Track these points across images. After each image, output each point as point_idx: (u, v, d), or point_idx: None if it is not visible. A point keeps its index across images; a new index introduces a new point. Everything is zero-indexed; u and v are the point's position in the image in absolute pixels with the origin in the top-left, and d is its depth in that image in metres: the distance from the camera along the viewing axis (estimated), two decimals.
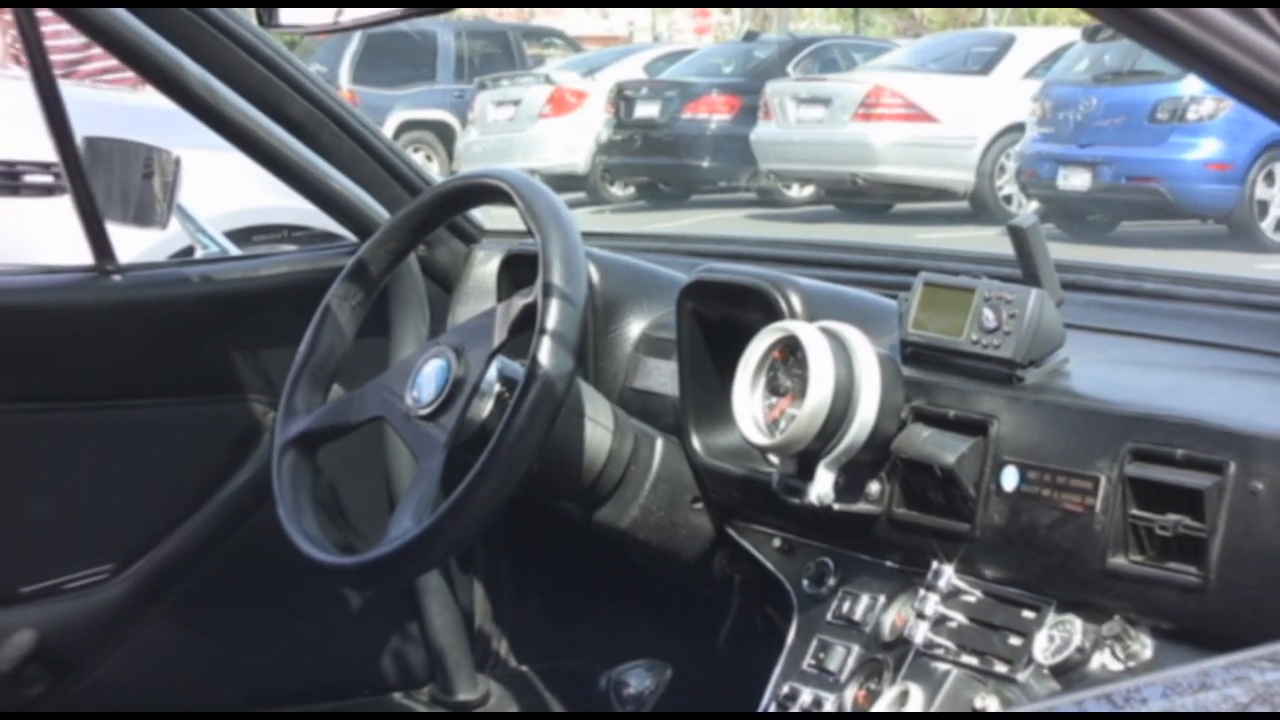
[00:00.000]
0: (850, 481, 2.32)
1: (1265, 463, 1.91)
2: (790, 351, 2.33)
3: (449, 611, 3.25)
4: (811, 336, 2.29)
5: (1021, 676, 2.12)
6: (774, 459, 2.39)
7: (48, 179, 6.09)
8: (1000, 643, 2.17)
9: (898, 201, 18.54)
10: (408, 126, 21.27)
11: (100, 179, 3.07)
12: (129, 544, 3.08)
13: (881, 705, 2.23)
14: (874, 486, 2.33)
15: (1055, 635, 2.10)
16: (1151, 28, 1.25)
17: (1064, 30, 20.17)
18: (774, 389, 2.36)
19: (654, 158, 19.90)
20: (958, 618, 2.22)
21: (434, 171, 3.39)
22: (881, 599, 2.36)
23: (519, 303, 2.49)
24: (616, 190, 20.72)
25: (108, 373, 3.07)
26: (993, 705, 2.13)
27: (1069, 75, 16.64)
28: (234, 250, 3.46)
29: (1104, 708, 1.23)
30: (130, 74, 3.72)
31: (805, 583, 2.49)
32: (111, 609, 3.06)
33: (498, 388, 2.53)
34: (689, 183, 20.25)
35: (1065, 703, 1.26)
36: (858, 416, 2.27)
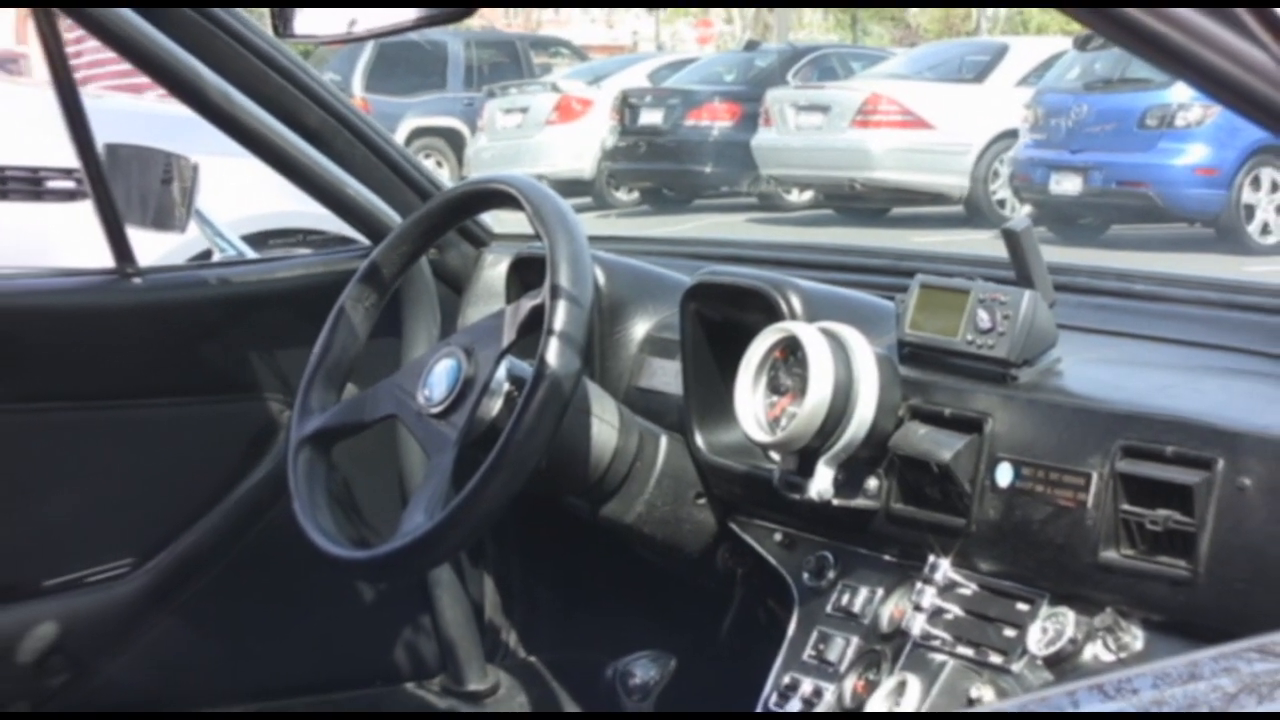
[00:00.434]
0: (849, 478, 2.32)
1: (1252, 459, 1.91)
2: (791, 351, 2.33)
3: (460, 604, 3.25)
4: (811, 337, 2.29)
5: (1016, 667, 2.12)
6: (775, 456, 2.39)
7: (69, 184, 6.10)
8: (995, 634, 2.17)
9: (895, 206, 18.54)
10: (419, 133, 21.28)
11: (120, 184, 3.07)
12: (148, 539, 3.09)
13: (879, 695, 2.23)
14: (872, 482, 2.33)
15: (1049, 627, 2.10)
16: (1127, 29, 1.25)
17: (1056, 39, 20.17)
18: (775, 388, 2.36)
19: (658, 163, 19.91)
20: (954, 610, 2.22)
21: (444, 177, 3.39)
22: (880, 592, 2.36)
23: (527, 304, 2.49)
24: (621, 195, 20.72)
25: (128, 373, 3.07)
26: (988, 695, 2.13)
27: (1061, 83, 16.64)
28: (250, 254, 3.46)
29: (1096, 698, 1.23)
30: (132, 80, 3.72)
31: (806, 576, 2.49)
32: (131, 602, 3.07)
33: (507, 387, 2.53)
34: (692, 188, 20.25)
35: (1058, 693, 1.26)
36: (856, 414, 2.27)
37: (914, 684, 2.19)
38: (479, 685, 3.26)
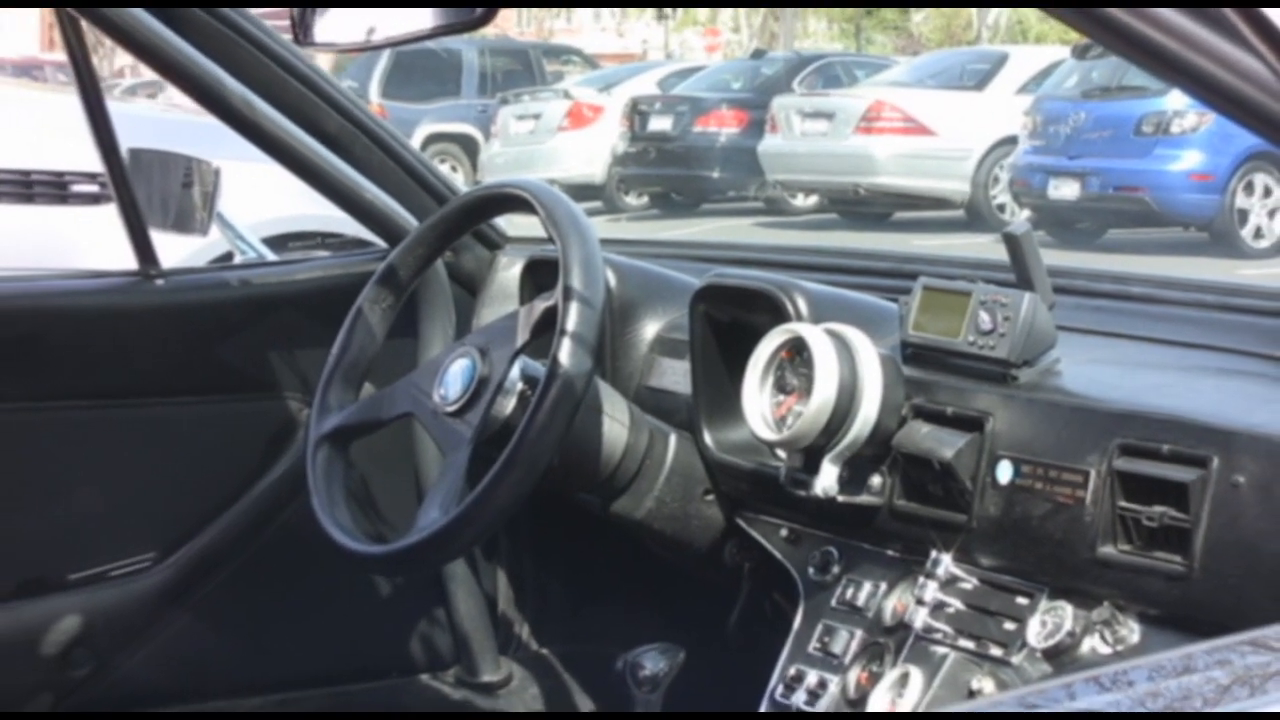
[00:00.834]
0: (853, 475, 2.32)
1: (1246, 457, 1.91)
2: (797, 352, 2.34)
3: (474, 597, 3.25)
4: (817, 337, 2.29)
5: (1015, 660, 2.12)
6: (781, 453, 2.39)
7: (94, 188, 6.11)
8: (995, 627, 2.17)
9: (897, 210, 18.52)
10: (434, 139, 21.27)
11: (143, 188, 3.08)
12: (170, 534, 3.09)
13: (883, 687, 2.23)
14: (876, 479, 2.33)
15: (1047, 620, 2.10)
16: (1121, 35, 1.25)
17: (1054, 48, 20.18)
18: (781, 387, 2.36)
19: (667, 169, 19.91)
20: (955, 604, 2.22)
21: (459, 182, 3.40)
22: (883, 586, 2.36)
23: (540, 306, 2.49)
24: (631, 199, 20.72)
25: (151, 372, 3.08)
26: (988, 687, 2.13)
27: (1059, 91, 16.65)
28: (271, 256, 3.46)
29: (1093, 689, 1.23)
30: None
31: (811, 570, 2.49)
32: (153, 596, 3.07)
33: (520, 386, 2.53)
34: (700, 192, 20.25)
35: (1057, 684, 1.26)
36: (860, 413, 2.27)
37: (916, 676, 2.19)
38: (492, 676, 3.27)
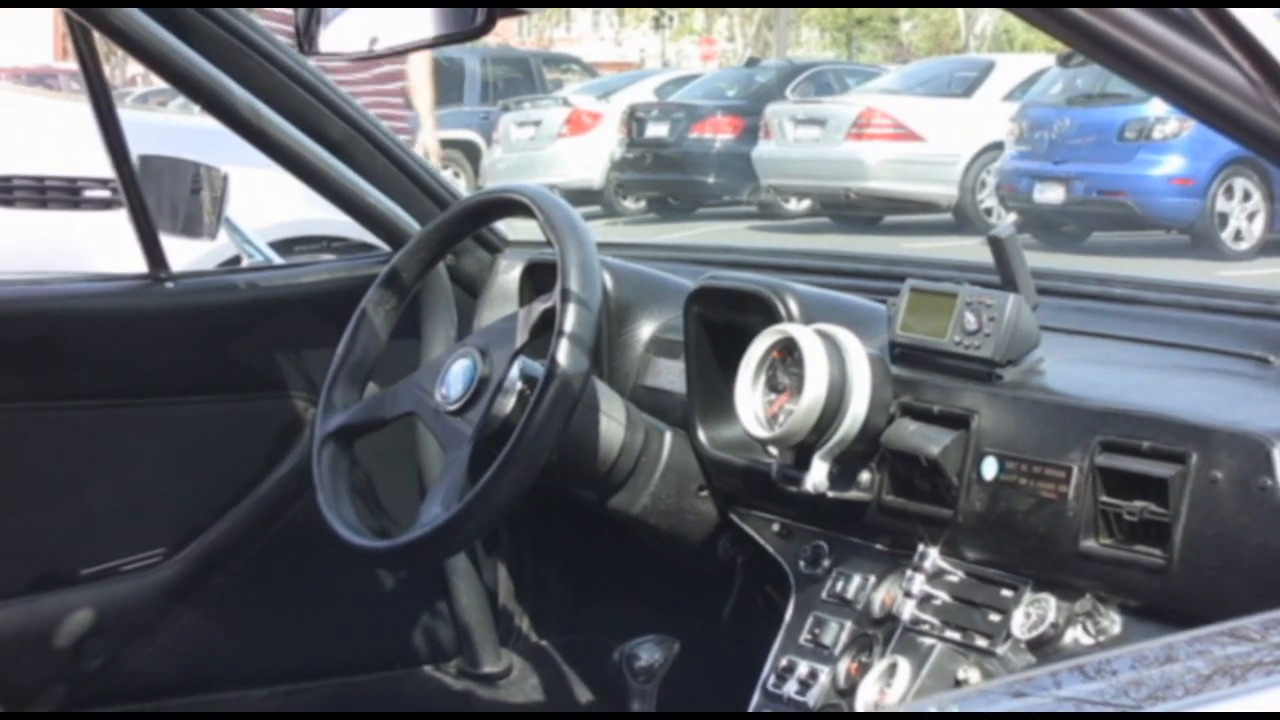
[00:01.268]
0: (843, 471, 2.32)
1: (1224, 454, 1.91)
2: (788, 352, 2.34)
3: (475, 591, 3.25)
4: (807, 338, 2.29)
5: (1000, 650, 2.12)
6: (773, 450, 2.39)
7: (106, 194, 6.10)
8: (981, 619, 2.17)
9: (887, 214, 18.55)
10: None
11: (154, 194, 3.07)
12: (180, 530, 3.09)
13: (872, 677, 2.23)
14: (865, 476, 2.33)
15: (1031, 612, 2.10)
16: (1074, 28, 1.25)
17: (1040, 56, 20.17)
18: (773, 386, 2.36)
19: (663, 174, 19.92)
20: (942, 596, 2.22)
21: (461, 187, 3.40)
22: (872, 579, 2.36)
23: (539, 307, 2.50)
24: (629, 204, 20.72)
25: (161, 372, 3.08)
26: (974, 677, 2.13)
27: (1044, 98, 16.66)
28: (277, 259, 3.46)
29: (1077, 678, 1.23)
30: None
31: (802, 564, 2.49)
32: (164, 590, 3.07)
33: (520, 385, 2.52)
34: (695, 197, 20.26)
35: (1041, 674, 1.26)
36: (850, 411, 2.27)
37: (904, 666, 2.19)
38: (493, 668, 3.27)
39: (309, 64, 2.99)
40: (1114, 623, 2.03)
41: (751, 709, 2.43)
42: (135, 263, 3.10)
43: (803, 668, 2.37)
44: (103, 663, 3.03)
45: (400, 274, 2.75)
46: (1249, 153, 1.33)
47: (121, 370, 3.03)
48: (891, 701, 2.19)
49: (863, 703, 2.22)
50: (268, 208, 5.12)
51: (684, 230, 17.95)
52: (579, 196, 17.79)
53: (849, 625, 2.35)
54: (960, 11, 39.22)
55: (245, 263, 3.47)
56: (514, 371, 2.52)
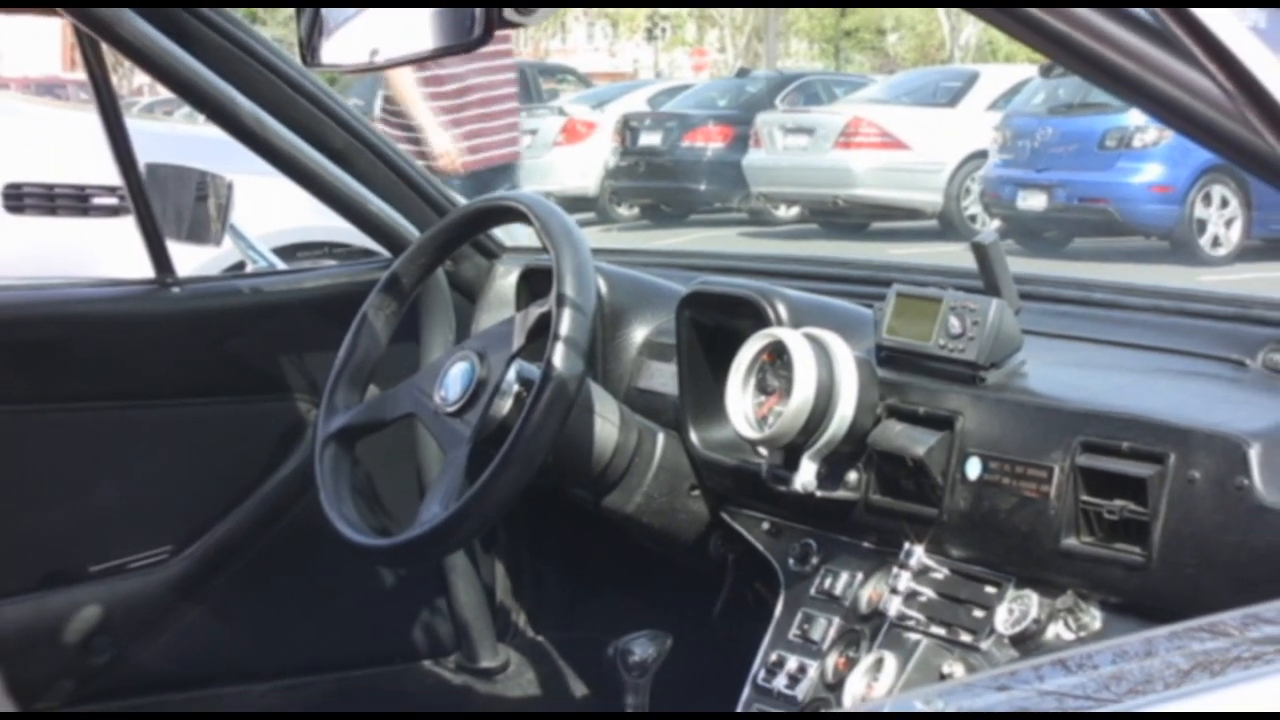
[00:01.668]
0: (831, 471, 2.33)
1: (1201, 454, 1.92)
2: (777, 355, 2.34)
3: (473, 587, 3.26)
4: (796, 341, 2.29)
5: (984, 645, 2.13)
6: (763, 451, 2.39)
7: (113, 201, 6.11)
8: (965, 615, 2.17)
9: (874, 220, 18.54)
10: None
11: (160, 201, 3.08)
12: (185, 528, 3.09)
13: (859, 671, 2.23)
14: (852, 475, 2.33)
15: (1014, 608, 2.11)
16: (1030, 27, 1.25)
17: (1023, 67, 20.18)
18: (763, 388, 2.37)
19: (656, 181, 19.90)
20: (927, 593, 2.22)
21: (457, 194, 3.39)
22: (859, 576, 2.36)
23: (535, 312, 2.50)
24: (623, 211, 20.70)
25: (167, 375, 3.08)
26: (959, 671, 2.14)
27: (1027, 107, 16.67)
28: (281, 265, 3.46)
29: (1059, 672, 1.23)
30: None
31: (791, 562, 2.49)
32: (170, 587, 3.07)
33: (516, 388, 2.53)
34: (687, 204, 20.24)
35: (1024, 668, 1.26)
36: (838, 413, 2.28)
37: (890, 661, 2.20)
38: (491, 662, 3.27)
39: (312, 75, 2.99)
40: (1095, 618, 2.03)
41: (742, 702, 2.43)
42: (142, 268, 3.10)
43: (792, 662, 2.37)
44: (110, 657, 3.03)
45: (400, 279, 2.75)
46: (1225, 160, 1.33)
47: (129, 373, 3.03)
48: (878, 695, 2.19)
49: (850, 696, 2.22)
50: (271, 214, 5.12)
51: (676, 236, 17.94)
52: (574, 203, 17.77)
53: (837, 621, 2.35)
54: (945, 23, 39.25)
55: (249, 268, 3.47)
56: (511, 374, 2.52)
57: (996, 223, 15.73)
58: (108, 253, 5.77)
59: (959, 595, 2.19)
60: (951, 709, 1.18)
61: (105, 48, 2.91)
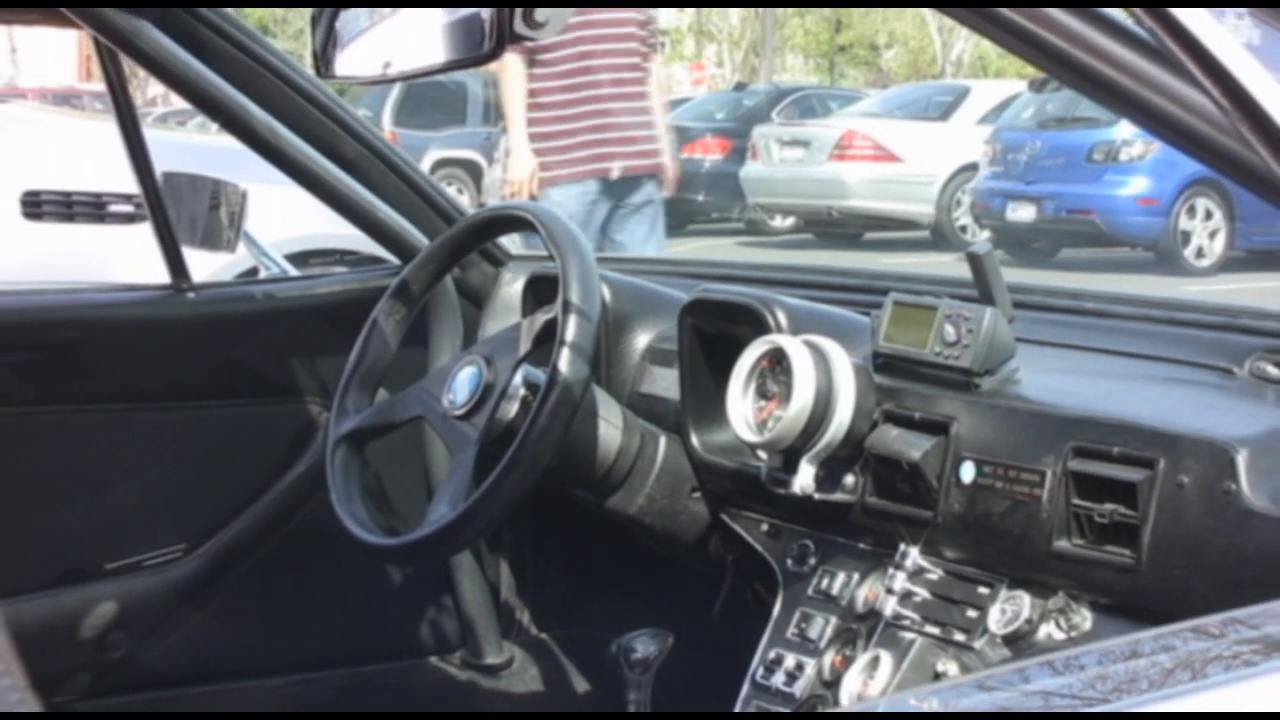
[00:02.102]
0: (829, 474, 2.33)
1: (1190, 459, 1.92)
2: (777, 361, 2.34)
3: (478, 586, 3.25)
4: (795, 348, 2.29)
5: (977, 645, 2.12)
6: (762, 454, 2.39)
7: (130, 209, 6.11)
8: (959, 615, 2.17)
9: (868, 231, 18.57)
10: (442, 164, 21.22)
11: (176, 209, 3.08)
12: (200, 527, 3.09)
13: (855, 669, 2.23)
14: (849, 479, 2.33)
15: (1007, 609, 2.10)
16: (1001, 27, 1.25)
17: (1012, 82, 20.21)
18: (763, 393, 2.36)
19: None
20: (922, 593, 2.22)
21: (465, 204, 3.39)
22: (856, 576, 2.36)
23: (541, 318, 2.50)
24: None
25: (182, 378, 3.07)
26: (952, 670, 2.13)
27: (1017, 121, 16.69)
28: (293, 271, 3.46)
29: (1048, 672, 1.23)
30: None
31: (789, 562, 2.49)
32: (184, 584, 3.07)
33: (523, 392, 2.52)
34: (686, 214, 20.22)
35: (1015, 668, 1.26)
36: (835, 418, 2.27)
37: (886, 659, 2.19)
38: (495, 659, 3.27)
39: (324, 86, 2.99)
40: (1085, 619, 2.03)
41: (741, 699, 2.43)
42: (158, 274, 3.10)
43: (790, 660, 2.37)
44: (125, 652, 3.03)
45: (410, 286, 2.75)
46: (1211, 174, 1.33)
47: (145, 376, 3.03)
48: (874, 693, 2.19)
49: (847, 694, 2.22)
50: (284, 222, 5.12)
51: (675, 246, 17.88)
52: None
53: (834, 620, 2.35)
54: (937, 40, 39.26)
55: (262, 274, 3.47)
56: (517, 379, 2.52)
57: (987, 233, 15.76)
58: (124, 259, 5.77)
59: (953, 596, 2.19)
60: (943, 708, 1.18)
61: (123, 59, 2.91)
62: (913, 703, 1.25)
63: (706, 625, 2.82)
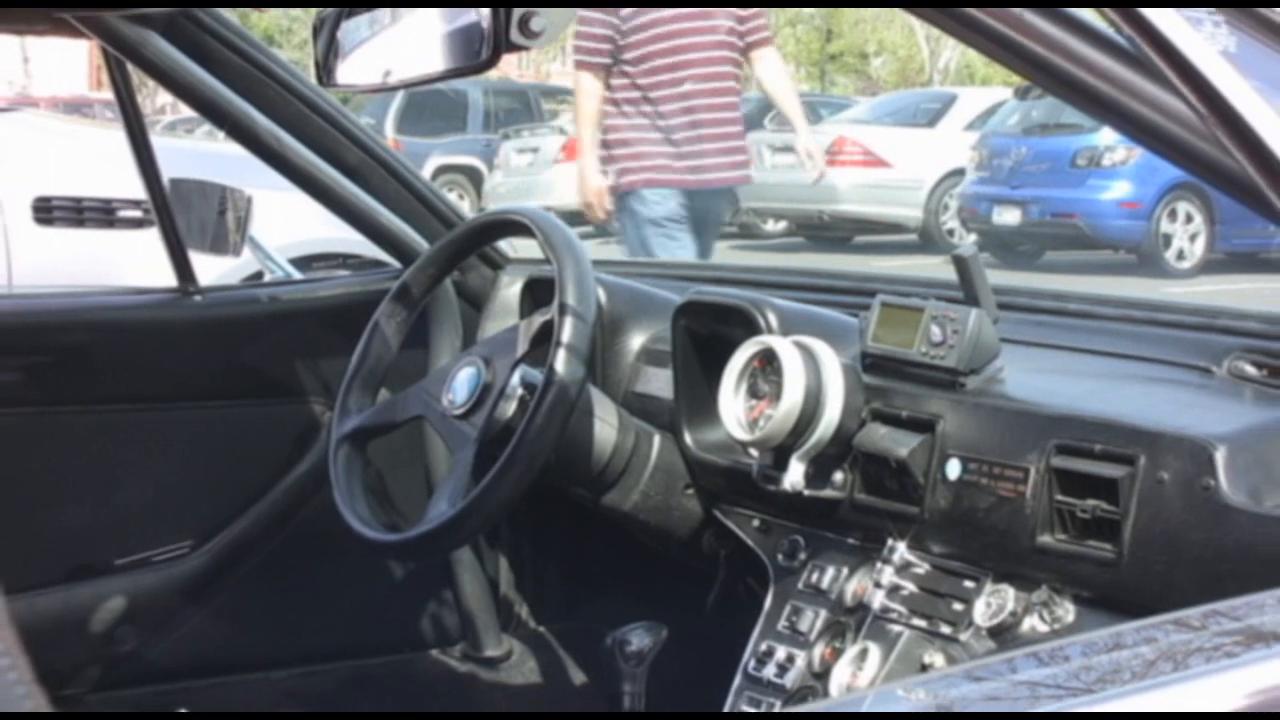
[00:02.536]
0: (818, 471, 2.32)
1: (1170, 456, 1.91)
2: (768, 361, 2.33)
3: (478, 581, 3.25)
4: (786, 348, 2.29)
5: (963, 637, 2.12)
6: (754, 452, 2.39)
7: (138, 214, 6.10)
8: (945, 608, 2.17)
9: (858, 234, 18.56)
10: (443, 170, 21.23)
11: (183, 214, 3.07)
12: (206, 524, 3.08)
13: (844, 661, 2.23)
14: (838, 476, 2.33)
15: (992, 602, 2.10)
16: (984, 34, 1.25)
17: (998, 90, 20.21)
18: (754, 393, 2.36)
19: None
20: (909, 586, 2.22)
21: (466, 208, 3.40)
22: (845, 571, 2.36)
23: (538, 320, 2.50)
24: (620, 225, 20.66)
25: (189, 379, 3.07)
26: (939, 661, 2.14)
27: (1002, 127, 16.70)
28: (297, 275, 3.45)
29: (1033, 663, 1.23)
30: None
31: (780, 557, 2.49)
32: (191, 579, 3.07)
33: (520, 391, 2.52)
34: None
35: (1000, 659, 1.26)
36: (825, 416, 2.27)
37: (874, 651, 2.19)
38: (495, 652, 3.26)
39: (327, 94, 2.99)
40: (1068, 612, 2.03)
41: (733, 690, 2.43)
42: (165, 277, 3.09)
43: (780, 652, 2.37)
44: (134, 646, 3.03)
45: (410, 288, 2.75)
46: (1192, 178, 1.33)
47: (152, 377, 3.03)
48: (862, 684, 2.19)
49: (836, 685, 2.22)
50: (288, 227, 5.12)
51: None
52: (574, 217, 17.67)
53: (823, 613, 2.35)
54: (925, 49, 39.29)
55: (267, 278, 3.47)
56: (515, 379, 2.52)
57: (973, 237, 15.74)
58: (132, 263, 5.77)
59: (939, 589, 2.19)
60: (931, 698, 1.18)
61: (131, 68, 2.91)
62: (900, 693, 1.25)
63: (700, 618, 2.82)
